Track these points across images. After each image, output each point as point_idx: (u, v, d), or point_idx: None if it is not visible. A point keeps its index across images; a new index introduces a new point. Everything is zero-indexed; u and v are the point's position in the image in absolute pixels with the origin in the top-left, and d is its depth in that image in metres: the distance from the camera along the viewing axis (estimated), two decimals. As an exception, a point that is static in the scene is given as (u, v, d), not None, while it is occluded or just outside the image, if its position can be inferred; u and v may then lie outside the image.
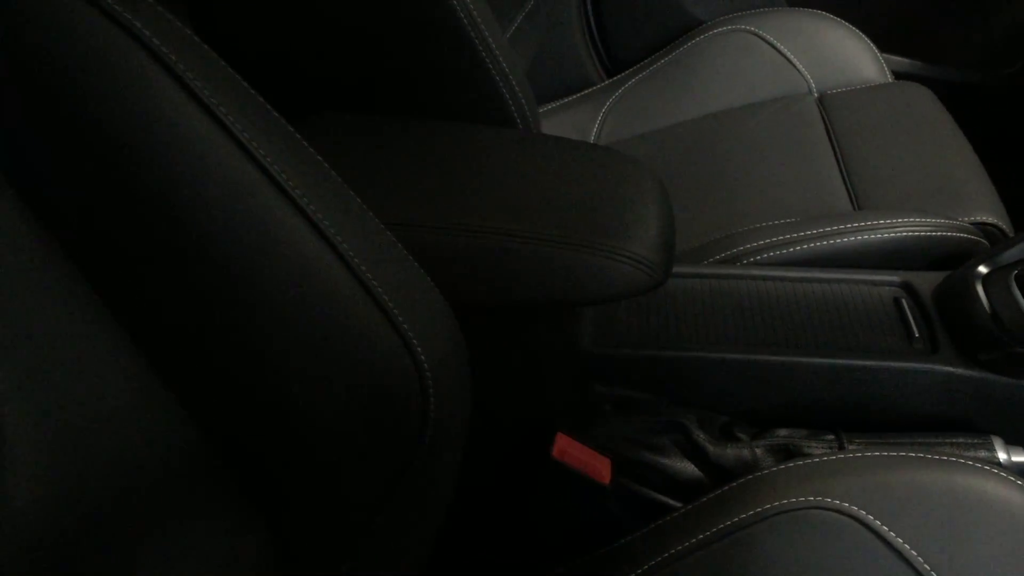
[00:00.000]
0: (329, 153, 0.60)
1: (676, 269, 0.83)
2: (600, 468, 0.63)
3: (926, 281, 0.79)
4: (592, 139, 1.20)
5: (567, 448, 0.63)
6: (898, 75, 1.19)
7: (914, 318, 0.75)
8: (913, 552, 0.59)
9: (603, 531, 0.65)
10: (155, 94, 0.44)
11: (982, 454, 0.67)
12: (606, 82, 1.28)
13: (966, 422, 0.71)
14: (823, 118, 1.11)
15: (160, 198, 0.45)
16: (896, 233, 0.83)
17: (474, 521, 0.69)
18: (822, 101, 1.15)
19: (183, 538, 0.50)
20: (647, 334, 0.75)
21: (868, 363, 0.72)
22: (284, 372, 0.51)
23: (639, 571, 0.64)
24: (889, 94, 1.13)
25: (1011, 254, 0.76)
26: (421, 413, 0.55)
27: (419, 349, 0.54)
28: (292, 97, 0.58)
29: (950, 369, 0.71)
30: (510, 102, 0.75)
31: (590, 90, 1.28)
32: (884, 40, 1.21)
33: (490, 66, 0.72)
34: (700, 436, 0.69)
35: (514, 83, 0.74)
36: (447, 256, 0.62)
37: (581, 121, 1.22)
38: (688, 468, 0.69)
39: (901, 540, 0.59)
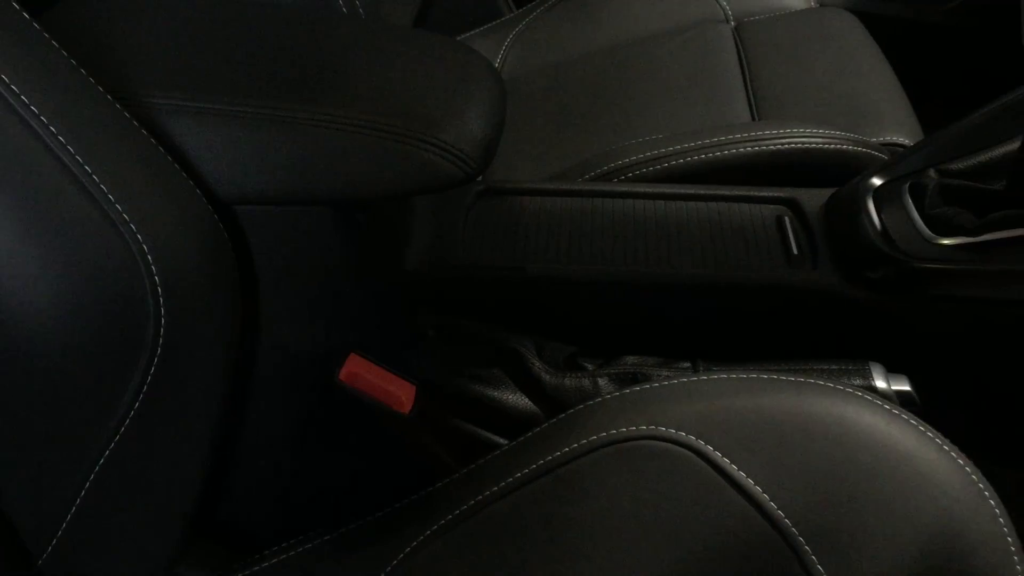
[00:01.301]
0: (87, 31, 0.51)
1: (542, 186, 0.74)
2: (400, 395, 0.54)
3: (815, 198, 0.70)
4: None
5: (360, 371, 0.53)
6: (825, 4, 1.09)
7: (796, 235, 0.66)
8: (761, 492, 0.50)
9: (402, 474, 0.56)
10: None
11: (857, 382, 0.58)
12: (513, 14, 1.19)
13: (846, 347, 0.61)
14: (737, 44, 1.01)
15: None
16: (785, 145, 0.73)
17: (263, 472, 0.59)
18: (739, 29, 1.05)
19: None
20: (493, 253, 0.66)
21: (734, 279, 0.62)
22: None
23: (448, 518, 0.54)
24: (810, 20, 1.04)
25: (907, 164, 0.66)
26: (143, 308, 0.45)
27: (143, 242, 0.45)
28: None
29: (829, 288, 0.62)
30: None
31: (496, 22, 1.18)
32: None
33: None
34: (536, 365, 0.60)
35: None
36: (228, 142, 0.53)
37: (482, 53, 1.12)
38: (521, 401, 0.60)
39: (744, 473, 0.50)
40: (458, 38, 1.18)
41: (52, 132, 0.44)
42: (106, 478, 0.48)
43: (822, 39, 0.99)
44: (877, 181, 0.66)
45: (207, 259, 0.49)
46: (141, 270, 0.45)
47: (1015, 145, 0.60)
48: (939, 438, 0.51)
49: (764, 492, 0.49)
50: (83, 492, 0.48)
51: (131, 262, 0.45)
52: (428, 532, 0.55)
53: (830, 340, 0.63)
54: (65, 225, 0.44)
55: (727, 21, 1.07)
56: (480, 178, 0.79)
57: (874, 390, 0.57)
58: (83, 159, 0.45)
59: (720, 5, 1.08)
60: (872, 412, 0.51)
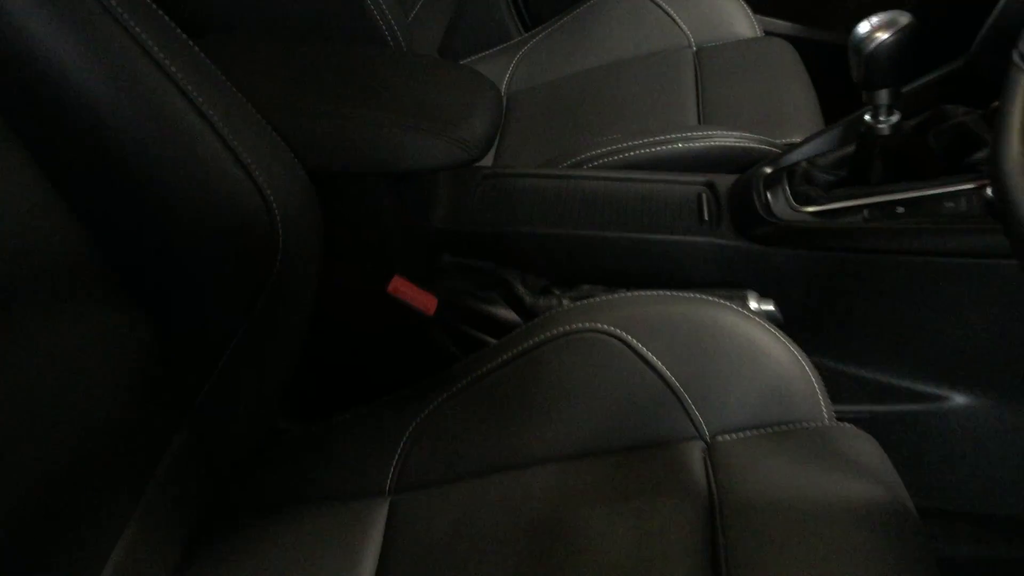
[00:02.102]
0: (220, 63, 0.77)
1: (531, 171, 1.01)
2: (427, 303, 0.81)
3: (727, 181, 0.96)
4: (503, 86, 1.38)
5: (400, 286, 0.81)
6: (769, 33, 1.36)
7: (708, 207, 0.93)
8: (661, 364, 0.76)
9: (428, 360, 0.83)
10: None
11: (736, 303, 0.84)
12: (521, 37, 1.46)
13: (734, 282, 0.88)
14: (695, 66, 1.28)
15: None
16: (708, 143, 1.00)
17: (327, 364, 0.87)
18: (699, 53, 1.32)
19: (71, 334, 0.62)
20: (493, 216, 0.93)
21: (662, 237, 0.89)
22: (165, 203, 0.68)
23: (456, 387, 0.81)
24: (756, 47, 1.30)
25: (790, 157, 0.93)
26: (271, 246, 0.72)
27: (270, 195, 0.72)
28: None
29: (725, 242, 0.89)
30: (383, 27, 0.93)
31: (506, 44, 1.46)
32: (760, 3, 1.38)
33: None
34: (520, 290, 0.87)
35: (386, 10, 0.91)
36: (317, 131, 0.80)
37: (495, 70, 1.40)
38: (509, 315, 0.87)
39: (653, 356, 0.76)
40: (476, 56, 1.46)
41: (211, 116, 0.69)
42: (249, 335, 0.74)
43: (761, 63, 1.25)
44: (768, 169, 0.93)
45: (306, 207, 0.76)
46: (269, 210, 0.72)
47: (852, 147, 0.87)
48: (780, 334, 0.77)
49: (661, 362, 0.75)
50: (233, 342, 0.74)
51: (264, 206, 0.72)
52: (442, 398, 0.82)
53: (723, 278, 0.89)
54: (217, 174, 0.70)
55: (690, 47, 1.34)
56: (489, 165, 1.06)
57: (748, 308, 0.84)
58: (231, 136, 0.71)
59: (685, 34, 1.35)
60: (736, 316, 0.77)
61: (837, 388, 0.75)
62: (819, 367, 0.76)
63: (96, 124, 0.62)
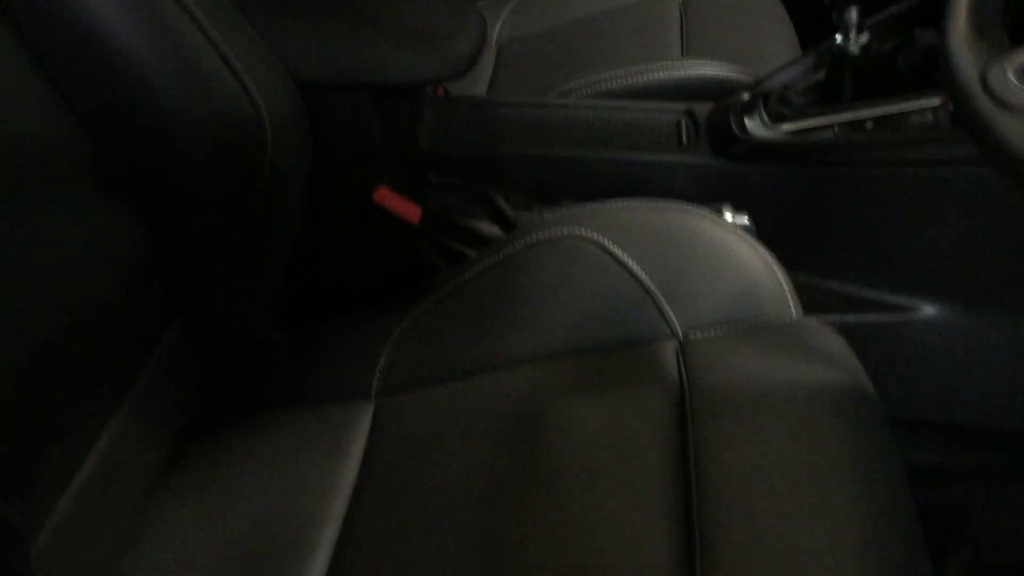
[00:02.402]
0: None
1: (519, 99, 1.04)
2: (412, 212, 0.84)
3: (705, 108, 0.99)
4: (495, 35, 1.41)
5: (386, 196, 0.84)
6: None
7: (687, 131, 0.96)
8: (636, 267, 0.79)
9: (414, 273, 0.86)
10: None
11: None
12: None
13: (708, 199, 0.91)
14: (680, 13, 1.31)
15: None
16: (688, 73, 1.03)
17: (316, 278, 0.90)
18: (686, 3, 1.35)
19: (64, 228, 0.64)
20: (479, 139, 0.96)
21: (640, 156, 0.92)
22: (160, 109, 0.71)
23: (440, 293, 0.85)
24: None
25: (763, 86, 0.96)
26: (260, 144, 0.75)
27: (261, 104, 0.75)
28: None
29: (701, 160, 0.92)
30: None
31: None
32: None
33: None
34: (504, 205, 0.90)
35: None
36: (296, 44, 0.82)
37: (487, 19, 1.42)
38: (492, 229, 0.90)
39: (629, 259, 0.79)
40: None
41: (210, 31, 0.71)
42: (237, 227, 0.77)
43: (746, 8, 1.28)
44: (745, 95, 0.96)
45: (295, 117, 0.79)
46: (258, 112, 0.74)
47: (823, 72, 0.90)
48: (750, 238, 0.80)
49: (637, 265, 0.78)
50: (223, 247, 0.77)
51: (253, 108, 0.74)
52: (426, 304, 0.85)
53: (699, 196, 0.92)
54: (213, 84, 0.73)
55: (677, -4, 1.37)
56: (485, 95, 1.10)
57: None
58: (227, 48, 0.74)
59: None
60: (708, 222, 0.80)
61: (808, 301, 0.78)
62: (792, 282, 0.79)
63: (97, 31, 0.65)
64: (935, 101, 0.83)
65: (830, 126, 0.86)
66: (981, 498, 0.95)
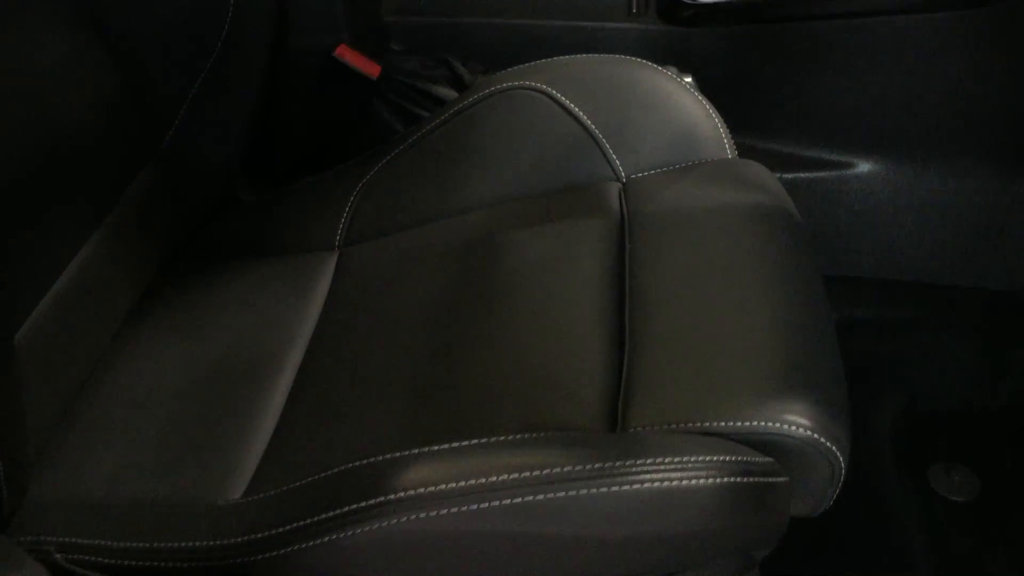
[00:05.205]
0: None
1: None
2: (371, 69, 0.88)
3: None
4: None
5: (346, 52, 0.88)
6: None
7: (637, 2, 1.00)
8: (582, 114, 0.83)
9: (372, 133, 0.90)
10: None
11: (660, 74, 0.92)
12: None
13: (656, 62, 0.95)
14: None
15: None
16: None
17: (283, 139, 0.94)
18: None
19: (41, 57, 0.70)
20: (438, 8, 1.00)
21: (592, 23, 0.97)
22: None
23: (399, 148, 0.89)
24: None
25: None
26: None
27: None
28: None
29: (650, 27, 0.96)
30: None
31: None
32: None
33: None
34: (461, 69, 0.94)
35: None
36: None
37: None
38: (450, 93, 0.94)
39: (576, 107, 0.84)
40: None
41: None
42: (209, 83, 0.81)
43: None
44: (696, -34, 1.00)
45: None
46: None
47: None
48: (693, 89, 0.84)
49: (582, 112, 0.83)
50: (194, 90, 0.81)
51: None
52: (386, 159, 0.89)
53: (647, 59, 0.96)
54: None
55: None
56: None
57: (669, 78, 0.91)
58: None
59: None
60: (651, 71, 0.85)
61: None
62: (735, 145, 0.83)
63: None
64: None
65: (772, -12, 0.90)
66: (915, 349, 1.00)
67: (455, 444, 0.52)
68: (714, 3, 0.93)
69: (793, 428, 0.53)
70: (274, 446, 0.66)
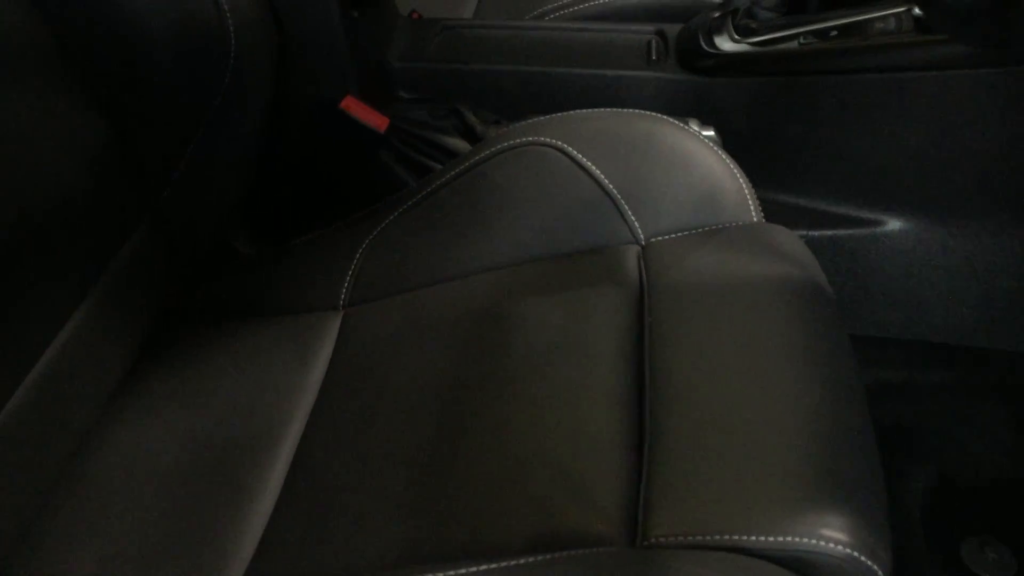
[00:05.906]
0: None
1: (487, 22, 1.04)
2: (378, 122, 0.85)
3: (675, 30, 0.99)
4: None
5: (352, 105, 0.84)
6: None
7: (656, 50, 0.96)
8: (599, 172, 0.79)
9: (382, 189, 0.86)
10: None
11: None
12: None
13: (676, 113, 0.91)
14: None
15: None
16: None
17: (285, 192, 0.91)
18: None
19: (31, 117, 0.66)
20: (449, 56, 0.97)
21: (609, 72, 0.93)
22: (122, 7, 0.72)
23: (408, 204, 0.85)
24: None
25: (734, 3, 0.96)
26: (224, 48, 0.76)
27: (224, 4, 0.75)
28: None
29: (670, 76, 0.92)
30: None
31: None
32: None
33: None
34: (472, 119, 0.90)
35: None
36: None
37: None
38: (461, 144, 0.90)
39: (592, 164, 0.80)
40: None
41: None
42: (206, 140, 0.77)
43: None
44: (715, 14, 0.96)
45: (260, 19, 0.79)
46: (221, 15, 0.75)
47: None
48: (716, 147, 0.80)
49: (599, 171, 0.79)
50: (191, 147, 0.78)
51: (216, 11, 0.75)
52: (393, 216, 0.85)
53: (667, 111, 0.92)
54: None
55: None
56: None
57: (688, 131, 0.87)
58: None
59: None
60: (671, 127, 0.81)
61: (774, 218, 0.78)
62: (759, 199, 0.79)
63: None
64: (899, 8, 0.83)
65: (795, 36, 0.86)
66: (947, 415, 0.95)
67: (461, 571, 0.48)
68: (735, 53, 0.89)
69: (831, 545, 0.49)
70: (264, 546, 0.62)
